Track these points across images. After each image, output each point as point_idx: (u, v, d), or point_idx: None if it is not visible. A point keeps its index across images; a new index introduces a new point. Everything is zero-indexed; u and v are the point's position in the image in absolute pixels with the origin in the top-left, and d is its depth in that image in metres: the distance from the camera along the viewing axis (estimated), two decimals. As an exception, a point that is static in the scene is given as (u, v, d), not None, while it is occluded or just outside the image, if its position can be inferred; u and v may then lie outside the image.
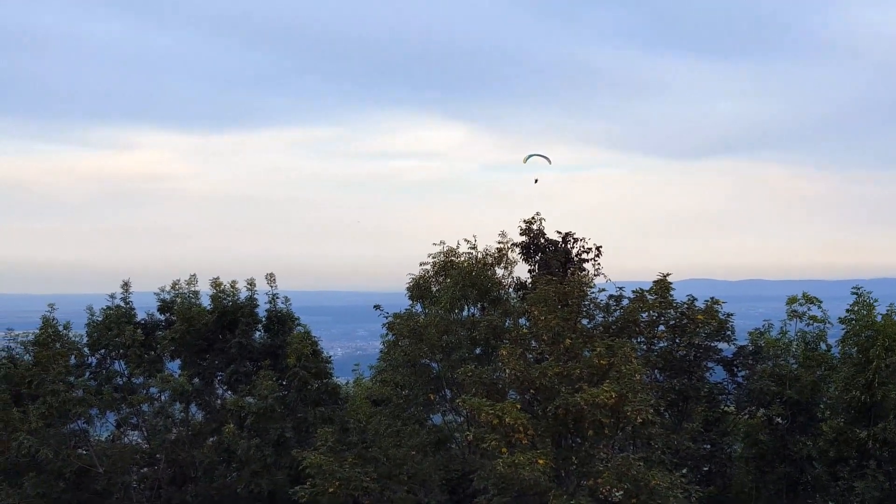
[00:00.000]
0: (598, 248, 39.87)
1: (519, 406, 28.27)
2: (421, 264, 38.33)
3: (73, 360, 37.57)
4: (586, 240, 40.05)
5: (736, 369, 37.95)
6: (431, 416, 37.61)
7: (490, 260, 38.13)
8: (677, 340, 36.08)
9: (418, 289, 37.84)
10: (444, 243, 38.25)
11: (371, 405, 35.04)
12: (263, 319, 39.42)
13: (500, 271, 38.50)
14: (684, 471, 34.20)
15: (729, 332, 36.76)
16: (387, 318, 36.61)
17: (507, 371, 29.39)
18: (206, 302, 39.18)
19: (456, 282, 36.65)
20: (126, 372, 38.15)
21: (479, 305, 37.68)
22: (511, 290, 38.72)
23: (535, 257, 39.73)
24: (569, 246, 39.99)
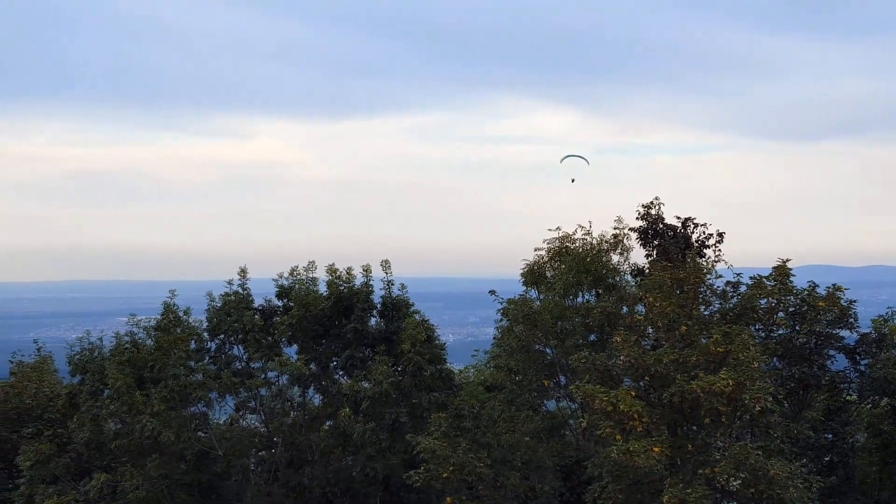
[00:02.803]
0: (719, 235, 39.26)
1: (634, 393, 28.02)
2: (535, 250, 38.25)
3: (193, 345, 38.37)
4: (707, 225, 39.48)
5: (859, 357, 36.99)
6: (545, 402, 37.50)
7: (605, 246, 37.77)
8: (797, 328, 35.31)
9: (532, 274, 37.71)
10: (559, 229, 38.09)
11: (485, 391, 35.07)
12: (379, 305, 39.68)
13: (615, 257, 38.14)
14: (804, 461, 33.48)
15: (851, 320, 35.84)
16: (501, 303, 36.56)
17: (621, 358, 29.16)
18: (322, 288, 39.60)
19: (570, 268, 36.41)
20: (244, 356, 38.80)
21: (593, 292, 37.38)
22: (628, 276, 38.34)
23: (653, 243, 39.26)
24: (689, 231, 39.43)
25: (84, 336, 40.24)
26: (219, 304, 38.88)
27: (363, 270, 39.60)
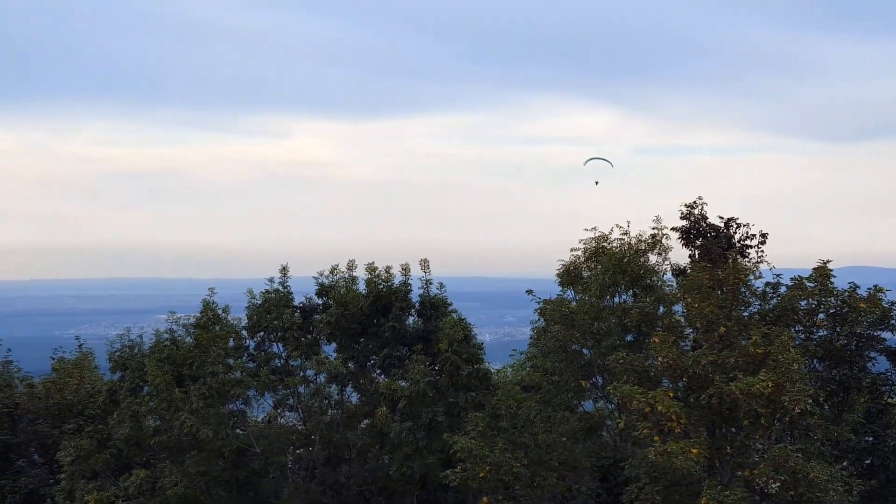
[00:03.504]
0: (762, 235, 39.16)
1: (672, 394, 27.88)
2: (571, 250, 38.09)
3: (231, 343, 38.57)
4: (750, 226, 39.41)
5: (900, 360, 36.58)
6: (582, 402, 37.40)
7: (643, 246, 37.54)
8: (838, 329, 34.99)
9: (568, 275, 37.57)
10: (595, 229, 37.94)
11: (521, 391, 35.03)
12: (417, 305, 39.73)
13: (653, 257, 37.92)
14: (845, 463, 33.19)
15: (893, 321, 35.44)
16: (538, 303, 36.47)
17: (659, 359, 29.01)
18: (362, 287, 39.69)
19: (606, 268, 36.25)
20: (284, 354, 38.97)
21: (630, 292, 37.21)
22: (669, 275, 38.13)
23: (695, 242, 39.15)
24: (731, 232, 39.29)
25: (124, 333, 40.64)
26: (259, 302, 39.09)
27: (402, 269, 39.68)
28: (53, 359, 46.44)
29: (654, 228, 38.30)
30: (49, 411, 43.23)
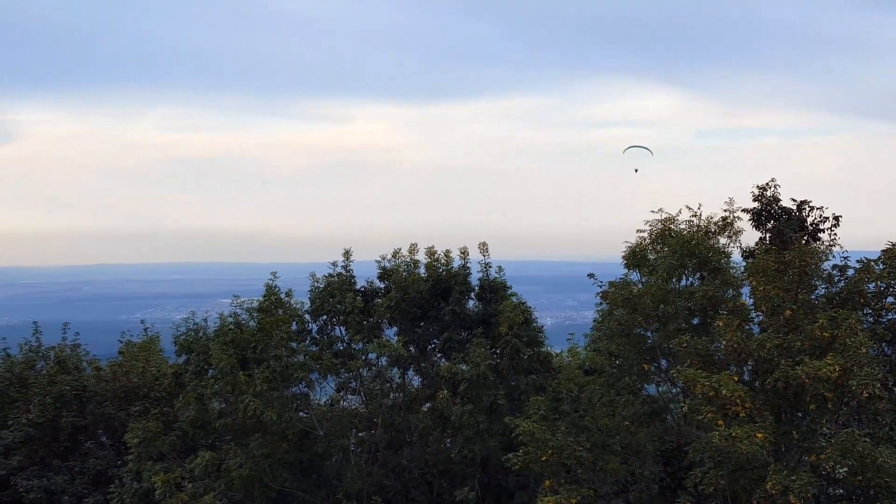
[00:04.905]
0: (835, 218, 38.67)
1: (736, 378, 27.63)
2: (637, 232, 37.84)
3: (294, 327, 38.81)
4: (823, 209, 38.96)
5: (973, 343, 35.80)
6: (646, 386, 37.16)
7: (714, 228, 37.18)
8: (907, 312, 34.37)
9: (634, 257, 37.31)
10: (661, 211, 37.66)
11: (583, 374, 34.91)
12: (476, 288, 39.72)
13: (723, 240, 37.56)
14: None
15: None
16: (600, 286, 36.27)
17: (723, 342, 28.78)
18: (422, 271, 39.75)
19: (674, 251, 35.92)
20: (346, 338, 39.16)
21: (697, 275, 36.86)
22: (738, 257, 37.77)
23: (766, 225, 38.81)
24: (804, 214, 38.87)
25: (189, 317, 41.00)
26: (322, 286, 39.31)
27: (461, 253, 39.72)
28: (121, 342, 47.10)
29: (725, 210, 37.91)
30: (116, 394, 43.89)
